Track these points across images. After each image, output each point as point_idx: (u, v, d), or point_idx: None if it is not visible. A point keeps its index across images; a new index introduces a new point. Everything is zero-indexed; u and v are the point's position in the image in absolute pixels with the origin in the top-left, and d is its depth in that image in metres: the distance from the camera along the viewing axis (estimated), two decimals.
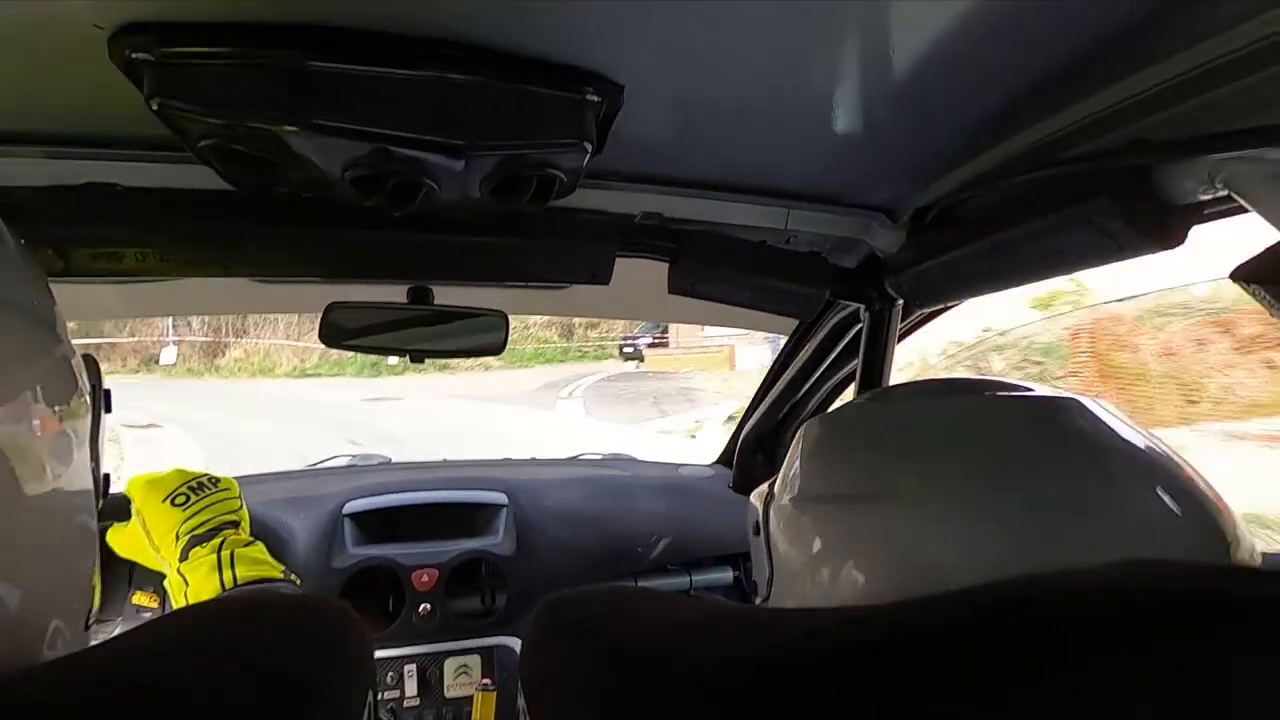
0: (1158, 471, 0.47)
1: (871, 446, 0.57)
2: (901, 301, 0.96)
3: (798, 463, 0.61)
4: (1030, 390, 0.55)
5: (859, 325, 1.03)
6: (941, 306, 1.01)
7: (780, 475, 0.63)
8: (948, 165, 0.71)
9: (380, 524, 1.31)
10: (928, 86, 0.55)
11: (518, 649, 1.13)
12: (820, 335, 1.24)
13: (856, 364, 1.03)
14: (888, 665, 0.27)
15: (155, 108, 0.47)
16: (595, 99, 0.55)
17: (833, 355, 1.26)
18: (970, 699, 0.25)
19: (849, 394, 1.30)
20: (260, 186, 0.58)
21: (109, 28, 0.45)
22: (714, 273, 0.91)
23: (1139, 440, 0.50)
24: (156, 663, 0.31)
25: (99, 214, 0.69)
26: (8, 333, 0.32)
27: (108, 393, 0.41)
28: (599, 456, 1.87)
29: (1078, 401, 0.53)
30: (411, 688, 1.20)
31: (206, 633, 0.35)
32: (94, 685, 0.28)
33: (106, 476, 0.42)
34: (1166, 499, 0.45)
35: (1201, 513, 0.45)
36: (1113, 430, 0.50)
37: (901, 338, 1.04)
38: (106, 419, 0.45)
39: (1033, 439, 0.50)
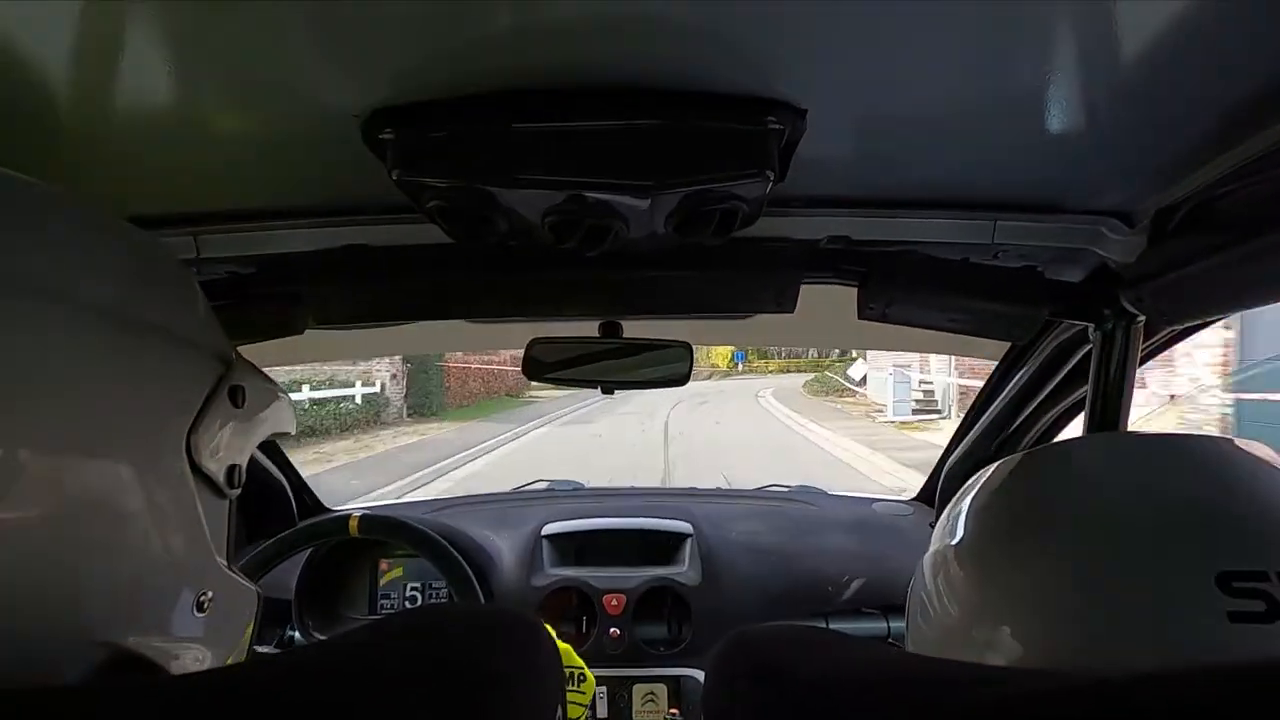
0: None
1: (1033, 497, 0.51)
2: (1143, 319, 0.82)
3: (963, 507, 0.56)
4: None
5: (1087, 346, 0.89)
6: (1199, 322, 0.84)
7: (942, 520, 0.58)
8: (1199, 156, 0.59)
9: (574, 547, 1.38)
10: (1168, 64, 0.47)
11: (703, 680, 1.13)
12: (1039, 360, 1.10)
13: (1085, 392, 0.89)
14: None
15: (396, 178, 0.55)
16: (777, 127, 0.54)
17: (1054, 382, 1.11)
18: None
19: (1076, 426, 1.13)
20: (475, 238, 0.66)
21: (363, 115, 0.54)
22: (908, 296, 0.85)
23: None
24: (356, 654, 0.35)
25: (354, 272, 0.82)
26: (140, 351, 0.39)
27: (240, 388, 0.47)
28: (786, 489, 1.82)
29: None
30: (602, 709, 1.24)
31: (404, 632, 0.38)
32: (292, 673, 0.32)
33: (235, 468, 0.47)
34: None
35: None
36: None
37: (1144, 360, 0.89)
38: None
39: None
